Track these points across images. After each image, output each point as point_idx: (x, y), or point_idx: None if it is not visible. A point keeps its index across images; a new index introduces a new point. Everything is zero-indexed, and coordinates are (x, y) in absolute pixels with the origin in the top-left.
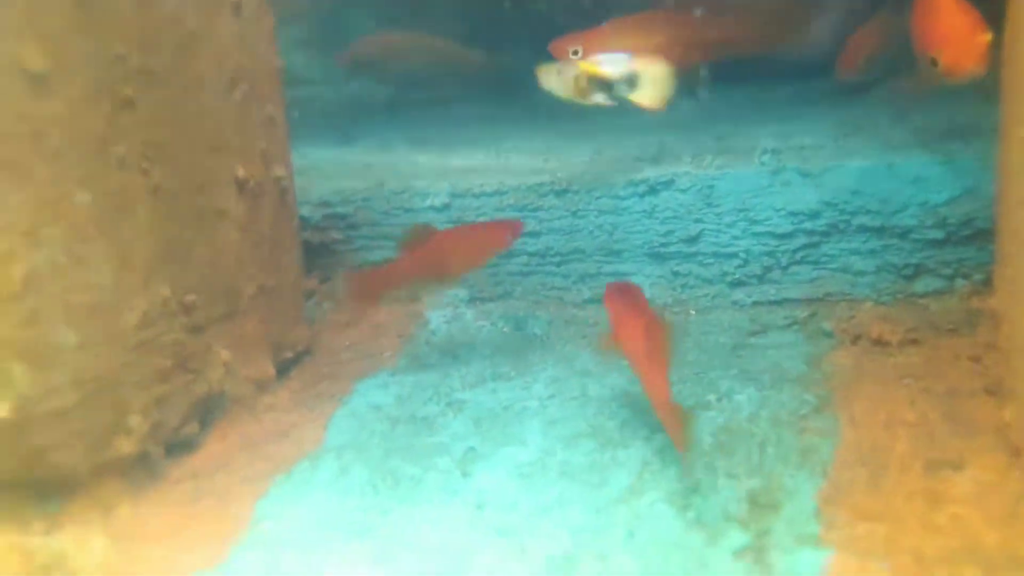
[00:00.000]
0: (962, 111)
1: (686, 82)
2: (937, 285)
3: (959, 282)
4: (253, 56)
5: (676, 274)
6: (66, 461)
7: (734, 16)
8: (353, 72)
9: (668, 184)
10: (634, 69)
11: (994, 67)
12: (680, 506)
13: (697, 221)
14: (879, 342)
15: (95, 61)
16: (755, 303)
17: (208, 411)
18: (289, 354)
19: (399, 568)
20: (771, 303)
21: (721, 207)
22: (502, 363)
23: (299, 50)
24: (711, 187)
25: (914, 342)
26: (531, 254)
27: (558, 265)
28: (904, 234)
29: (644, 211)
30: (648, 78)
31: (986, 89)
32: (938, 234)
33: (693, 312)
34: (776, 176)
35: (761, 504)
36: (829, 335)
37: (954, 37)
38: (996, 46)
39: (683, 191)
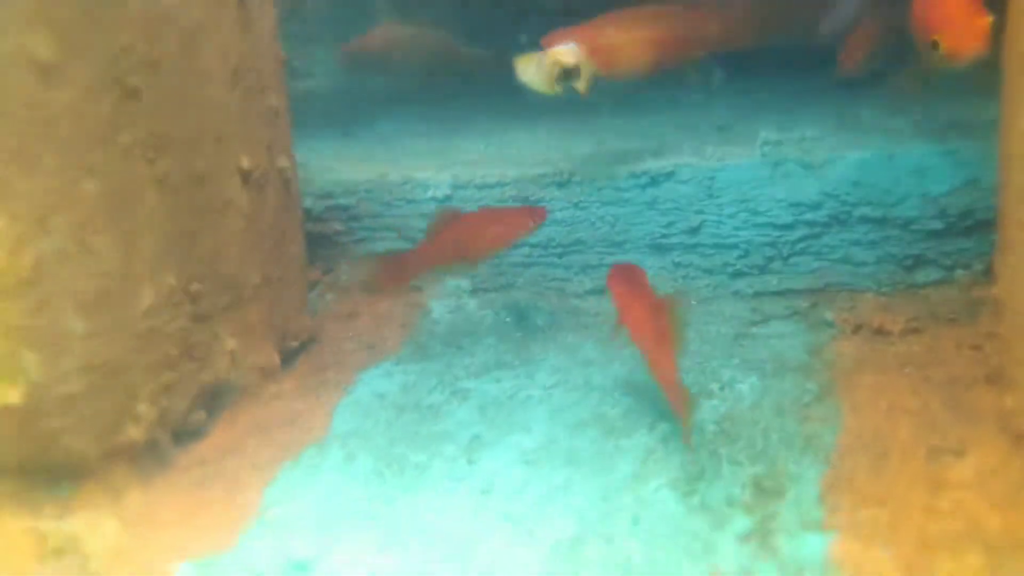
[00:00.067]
0: (961, 104)
1: (683, 75)
2: (937, 275)
3: (959, 272)
4: (257, 47)
5: (678, 265)
6: (76, 447)
7: (729, 9)
8: (354, 66)
9: (669, 175)
10: (579, 59)
11: (993, 61)
12: (684, 492)
13: (698, 212)
14: (880, 332)
15: (102, 51)
16: (756, 293)
17: (215, 399)
18: (294, 343)
19: (407, 553)
20: (772, 294)
21: (722, 198)
22: (505, 353)
23: (299, 44)
24: (712, 178)
25: (915, 331)
26: (533, 245)
27: (560, 256)
28: (904, 225)
29: (645, 202)
30: (584, 68)
31: (984, 83)
32: (938, 225)
33: (694, 302)
34: (777, 167)
35: (765, 490)
36: (830, 325)
37: (955, 20)
38: (997, 29)
39: (684, 182)
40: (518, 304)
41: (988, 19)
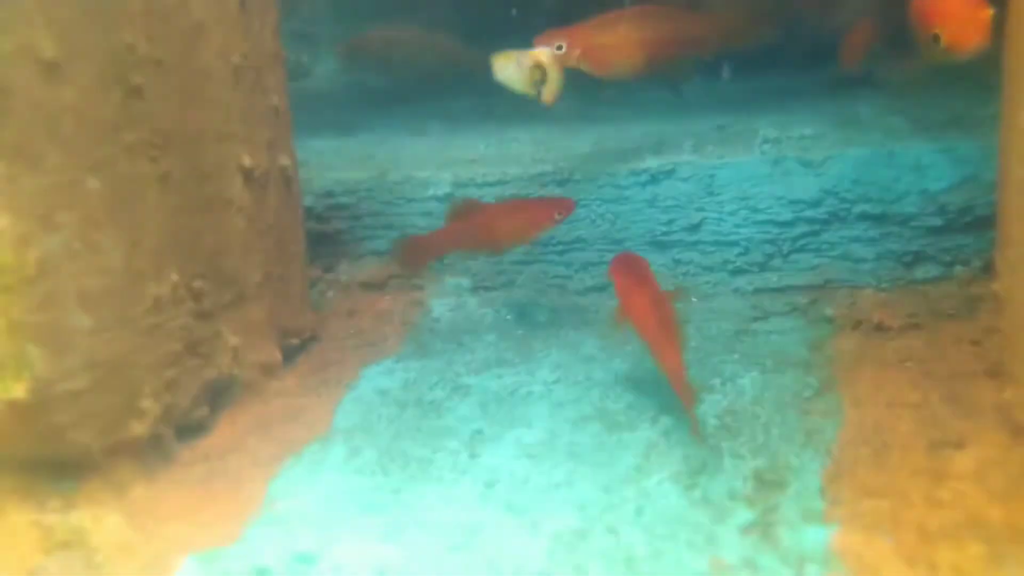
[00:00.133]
0: (960, 101)
1: (672, 76)
2: (937, 272)
3: (958, 268)
4: (258, 46)
5: (678, 262)
6: (80, 441)
7: (719, 11)
8: (352, 66)
9: (669, 173)
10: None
11: (994, 59)
12: (687, 485)
13: (699, 210)
14: (880, 327)
15: (105, 50)
16: (756, 290)
17: (218, 395)
18: (295, 341)
19: (411, 544)
20: (772, 290)
21: (722, 196)
22: (506, 349)
23: (298, 43)
24: (712, 176)
25: (915, 327)
26: (533, 242)
27: (560, 254)
28: (904, 222)
29: (646, 200)
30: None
31: (984, 80)
32: (937, 221)
33: (695, 299)
34: (777, 165)
35: (767, 482)
36: (830, 321)
37: (956, 13)
38: (998, 22)
39: (684, 180)
40: (519, 301)
41: (989, 12)
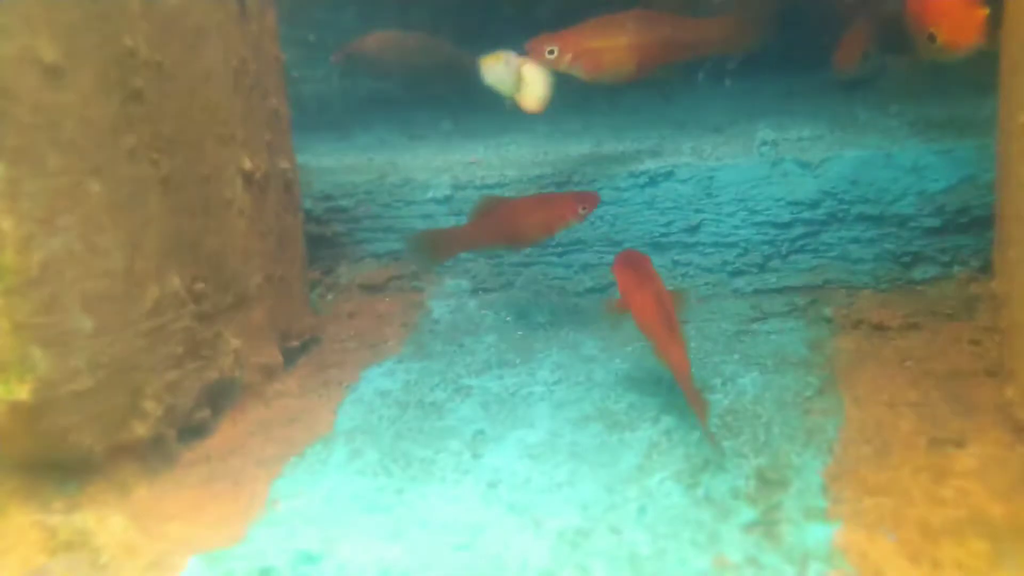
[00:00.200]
0: (957, 103)
1: (660, 81)
2: (935, 272)
3: (956, 268)
4: (257, 50)
5: (677, 263)
6: (83, 443)
7: (708, 16)
8: (349, 70)
9: (668, 175)
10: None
11: (990, 60)
12: (689, 484)
13: (697, 211)
14: (879, 327)
15: (106, 54)
16: (756, 291)
17: (219, 397)
18: (296, 343)
19: (415, 544)
20: (771, 291)
21: (721, 197)
22: (507, 351)
23: (294, 48)
24: (711, 178)
25: (914, 327)
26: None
27: (560, 255)
28: (902, 222)
29: (644, 202)
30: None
31: (979, 83)
32: (935, 222)
33: (694, 300)
34: (775, 167)
35: (769, 481)
36: (829, 321)
37: (951, 11)
38: (993, 21)
39: (683, 182)
40: (518, 303)
41: (984, 11)
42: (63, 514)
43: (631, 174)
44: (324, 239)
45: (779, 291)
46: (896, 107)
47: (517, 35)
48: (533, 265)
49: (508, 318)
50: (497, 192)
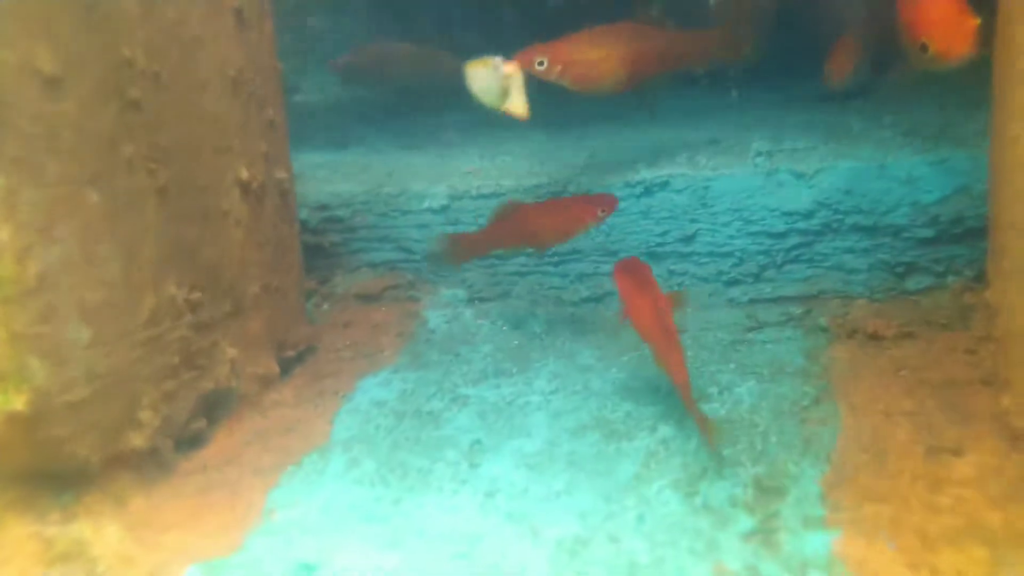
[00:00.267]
0: (949, 114)
1: (650, 92)
2: (929, 282)
3: (951, 278)
4: (255, 60)
5: (672, 273)
6: (80, 453)
7: (698, 28)
8: (346, 81)
9: (664, 185)
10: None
11: (984, 67)
12: (687, 492)
13: (693, 221)
14: (874, 337)
15: (104, 64)
16: (751, 300)
17: (215, 407)
18: (292, 352)
19: (413, 553)
20: (767, 301)
21: (716, 207)
22: (503, 360)
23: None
24: (706, 188)
25: (909, 336)
26: (529, 254)
27: (556, 265)
28: (896, 233)
29: (640, 212)
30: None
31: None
32: (929, 232)
33: (690, 309)
34: (770, 177)
35: (767, 490)
36: (825, 330)
37: (943, 21)
38: (985, 31)
39: (679, 192)
40: (515, 312)
41: (976, 21)
42: (59, 525)
43: (627, 184)
44: (320, 249)
45: (774, 301)
46: (890, 118)
47: (515, 46)
48: (529, 275)
49: (504, 327)
50: (493, 202)
